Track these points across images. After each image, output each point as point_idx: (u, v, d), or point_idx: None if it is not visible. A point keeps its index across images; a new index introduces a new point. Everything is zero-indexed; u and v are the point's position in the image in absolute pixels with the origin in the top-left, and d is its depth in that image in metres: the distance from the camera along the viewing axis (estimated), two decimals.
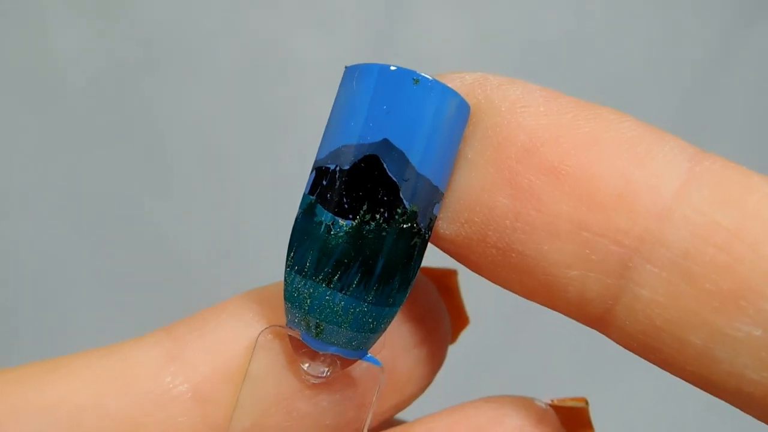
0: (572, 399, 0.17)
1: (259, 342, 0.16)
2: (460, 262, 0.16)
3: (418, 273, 0.15)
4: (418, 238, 0.15)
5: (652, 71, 0.51)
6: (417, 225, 0.14)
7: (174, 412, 0.16)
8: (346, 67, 0.15)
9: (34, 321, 0.51)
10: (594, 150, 0.14)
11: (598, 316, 0.14)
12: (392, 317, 0.15)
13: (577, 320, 0.15)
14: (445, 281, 0.19)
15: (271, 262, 0.50)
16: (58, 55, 0.48)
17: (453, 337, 0.19)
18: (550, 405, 0.17)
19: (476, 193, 0.14)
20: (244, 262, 0.51)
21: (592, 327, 0.15)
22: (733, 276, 0.13)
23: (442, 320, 0.18)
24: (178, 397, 0.16)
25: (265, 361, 0.16)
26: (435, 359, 0.18)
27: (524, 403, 0.17)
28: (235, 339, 0.16)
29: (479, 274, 0.16)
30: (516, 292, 0.15)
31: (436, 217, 0.15)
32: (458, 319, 0.19)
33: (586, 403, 0.17)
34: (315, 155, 0.15)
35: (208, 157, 0.50)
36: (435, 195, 0.15)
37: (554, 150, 0.14)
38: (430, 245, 0.15)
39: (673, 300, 0.13)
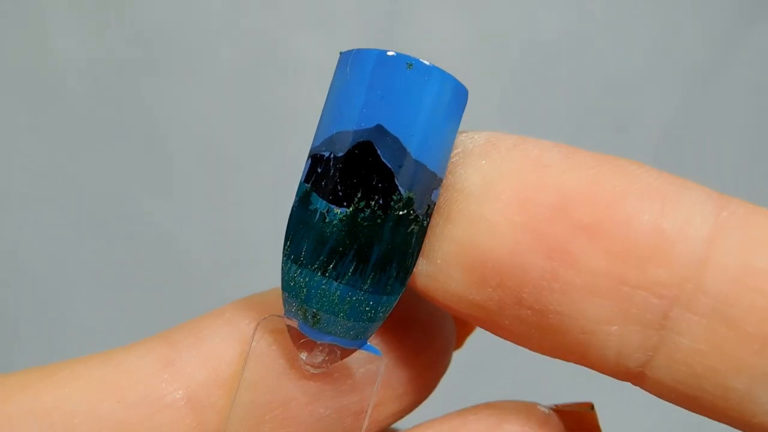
0: (577, 404, 0.17)
1: (254, 347, 0.16)
2: (488, 329, 0.16)
3: None
4: (415, 224, 0.14)
5: (652, 71, 0.51)
6: (414, 211, 0.14)
7: (168, 418, 0.15)
8: (340, 53, 0.15)
9: (34, 320, 0.51)
10: (624, 204, 0.14)
11: (635, 370, 0.14)
12: (391, 306, 0.15)
13: (613, 376, 0.15)
14: None
15: (270, 261, 0.50)
16: (58, 55, 0.48)
17: (458, 342, 0.19)
18: (554, 410, 0.17)
19: (506, 256, 0.14)
20: (244, 262, 0.51)
21: (628, 381, 0.15)
22: None
23: (447, 326, 0.18)
24: (172, 403, 0.16)
25: (261, 364, 0.16)
26: (438, 367, 0.18)
27: (526, 408, 0.16)
28: (230, 345, 0.16)
29: (510, 339, 0.15)
30: (549, 354, 0.15)
31: (434, 203, 0.15)
32: (464, 324, 0.19)
33: (592, 407, 0.17)
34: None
35: (208, 156, 0.50)
36: (433, 181, 0.14)
37: (585, 208, 0.14)
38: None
39: (715, 346, 0.13)
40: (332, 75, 0.15)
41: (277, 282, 0.16)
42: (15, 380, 0.16)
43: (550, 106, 0.51)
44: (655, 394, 0.15)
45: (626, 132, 0.52)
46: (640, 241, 0.14)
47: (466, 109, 0.15)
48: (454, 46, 0.50)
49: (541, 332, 0.15)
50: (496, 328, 0.15)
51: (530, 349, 0.15)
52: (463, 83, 0.15)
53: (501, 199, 0.14)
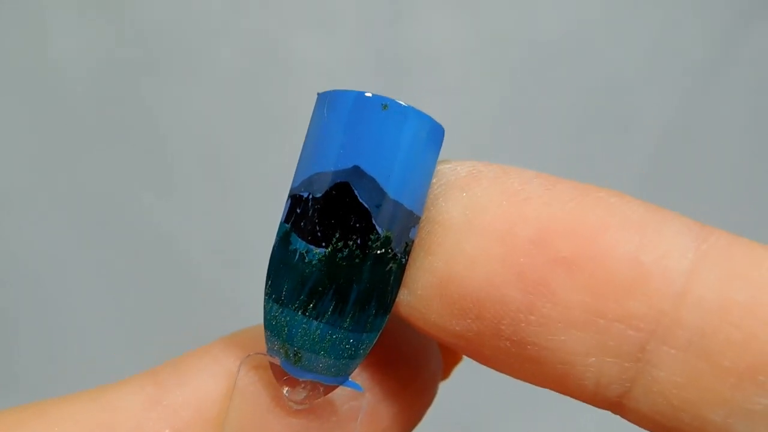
0: None
1: (238, 382, 0.16)
2: (470, 356, 0.16)
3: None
4: (393, 263, 0.15)
5: (652, 71, 0.51)
6: (392, 250, 0.14)
7: None
8: (318, 94, 0.15)
9: (33, 320, 0.51)
10: (603, 238, 0.14)
11: (613, 400, 0.14)
12: (371, 343, 0.15)
13: (592, 404, 0.15)
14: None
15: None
16: (58, 55, 0.48)
17: (445, 372, 0.19)
18: None
19: (484, 288, 0.14)
20: (243, 261, 0.51)
21: (607, 410, 0.15)
22: (750, 351, 0.13)
23: (433, 359, 0.18)
24: None
25: (246, 402, 0.16)
26: (423, 400, 0.18)
27: None
28: (216, 383, 0.16)
29: (491, 367, 0.15)
30: (530, 382, 0.15)
31: (412, 241, 0.15)
32: (451, 354, 0.19)
33: None
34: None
35: (208, 156, 0.50)
36: (410, 219, 0.15)
37: (563, 242, 0.14)
38: None
39: (691, 379, 0.13)
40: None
41: None
42: (7, 419, 0.16)
43: (550, 106, 0.51)
44: (634, 423, 0.15)
45: (626, 132, 0.52)
46: (617, 274, 0.14)
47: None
48: (454, 46, 0.50)
49: (521, 362, 0.15)
50: (478, 356, 0.15)
51: (512, 376, 0.15)
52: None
53: (480, 232, 0.14)
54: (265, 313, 0.15)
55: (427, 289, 0.15)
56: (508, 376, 0.16)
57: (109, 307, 0.51)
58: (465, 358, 0.19)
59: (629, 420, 0.15)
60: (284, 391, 0.15)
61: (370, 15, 0.50)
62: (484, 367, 0.15)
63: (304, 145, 0.15)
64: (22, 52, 0.49)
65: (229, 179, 0.51)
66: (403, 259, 0.15)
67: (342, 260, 0.14)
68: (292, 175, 0.15)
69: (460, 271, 0.14)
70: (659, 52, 0.51)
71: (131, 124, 0.50)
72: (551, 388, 0.15)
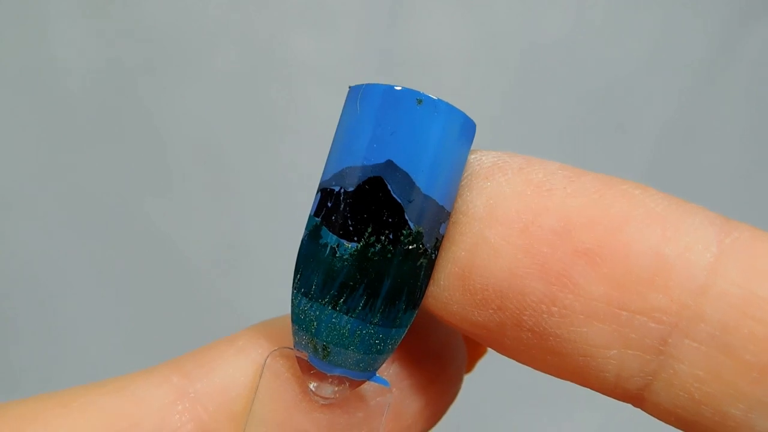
0: None
1: (264, 377, 0.16)
2: (492, 347, 0.16)
3: None
4: (424, 258, 0.14)
5: (651, 71, 0.51)
6: (423, 246, 0.14)
7: None
8: (349, 87, 0.15)
9: (33, 319, 0.51)
10: (626, 230, 0.14)
11: (634, 393, 0.14)
12: (400, 338, 0.15)
13: (613, 397, 0.15)
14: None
15: (269, 261, 0.50)
16: (58, 55, 0.48)
17: (469, 366, 0.19)
18: None
19: (507, 279, 0.14)
20: (243, 262, 0.51)
21: (627, 402, 0.15)
22: None
23: (458, 355, 0.18)
24: None
25: (272, 397, 0.16)
26: (447, 397, 0.18)
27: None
28: (242, 376, 0.16)
29: (512, 357, 0.15)
30: (550, 373, 0.15)
31: (442, 236, 0.15)
32: (475, 348, 0.19)
33: None
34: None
35: (207, 157, 0.50)
36: (441, 215, 0.14)
37: (586, 233, 0.14)
38: None
39: (713, 373, 0.13)
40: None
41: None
42: (26, 409, 0.16)
43: (551, 106, 0.51)
44: (655, 417, 0.15)
45: (626, 132, 0.52)
46: (640, 267, 0.14)
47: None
48: (454, 46, 0.50)
49: (542, 353, 0.15)
50: (499, 347, 0.15)
51: (533, 368, 0.15)
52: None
53: (503, 221, 0.14)
54: (293, 307, 0.15)
55: (450, 278, 0.15)
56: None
57: (109, 307, 0.50)
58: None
59: (650, 413, 0.15)
60: (311, 386, 0.15)
61: (370, 15, 0.50)
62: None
63: (334, 139, 0.15)
64: (22, 52, 0.48)
65: (229, 180, 0.51)
66: (433, 255, 0.15)
67: (374, 255, 0.14)
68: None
69: (482, 261, 0.14)
70: (659, 52, 0.51)
71: (130, 125, 0.49)
72: (572, 380, 0.15)
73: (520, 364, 0.16)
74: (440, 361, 0.17)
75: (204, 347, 0.17)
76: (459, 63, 0.50)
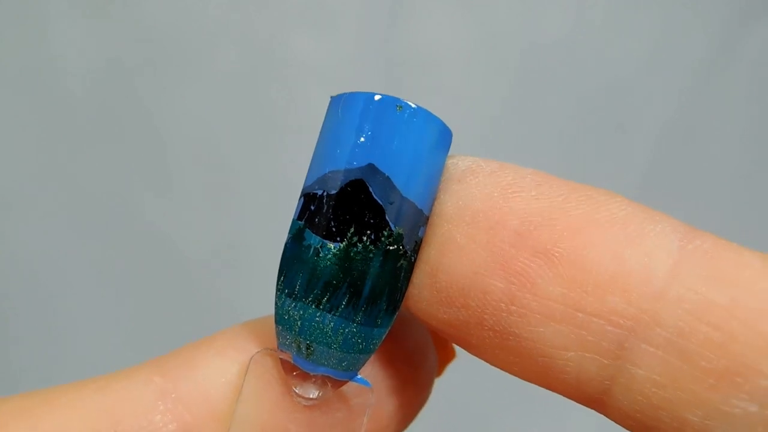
0: None
1: (248, 378, 0.16)
2: (461, 345, 0.16)
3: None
4: (404, 260, 0.15)
5: (651, 71, 0.51)
6: (403, 247, 0.15)
7: None
8: (331, 97, 0.15)
9: (32, 319, 0.51)
10: (586, 232, 0.14)
11: (595, 397, 0.14)
12: (381, 338, 0.15)
13: (575, 400, 0.15)
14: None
15: (268, 261, 0.50)
16: (58, 54, 0.48)
17: (439, 369, 0.19)
18: None
19: (470, 277, 0.14)
20: (242, 261, 0.51)
21: (589, 407, 0.15)
22: (728, 353, 0.13)
23: (429, 357, 0.18)
24: None
25: (255, 397, 0.16)
26: (420, 399, 0.18)
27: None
28: (224, 377, 0.16)
29: (480, 357, 0.16)
30: (515, 374, 0.15)
31: (421, 239, 0.15)
32: (445, 352, 0.19)
33: None
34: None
35: (207, 157, 0.50)
36: (420, 218, 0.15)
37: (547, 233, 0.14)
38: None
39: (670, 378, 0.13)
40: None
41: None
42: (13, 405, 0.16)
43: (551, 106, 0.51)
44: (617, 422, 0.15)
45: (626, 132, 0.52)
46: (598, 269, 0.14)
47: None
48: (454, 46, 0.50)
49: (505, 353, 0.15)
50: (467, 346, 0.16)
51: (500, 368, 0.16)
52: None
53: (470, 221, 0.15)
54: (276, 308, 0.15)
55: (421, 277, 0.15)
56: (505, 376, 0.16)
57: (109, 307, 0.51)
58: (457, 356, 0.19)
59: (612, 418, 0.15)
60: (294, 387, 0.16)
61: (370, 15, 0.50)
62: (474, 368, 0.15)
63: (317, 146, 0.15)
64: (22, 52, 0.49)
65: (229, 180, 0.51)
66: (413, 258, 0.15)
67: (356, 254, 0.14)
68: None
69: (448, 260, 0.15)
70: (659, 52, 0.51)
71: (130, 125, 0.50)
72: (536, 383, 0.15)
73: None
74: (413, 363, 0.18)
75: (186, 347, 0.17)
76: (459, 63, 0.50)
